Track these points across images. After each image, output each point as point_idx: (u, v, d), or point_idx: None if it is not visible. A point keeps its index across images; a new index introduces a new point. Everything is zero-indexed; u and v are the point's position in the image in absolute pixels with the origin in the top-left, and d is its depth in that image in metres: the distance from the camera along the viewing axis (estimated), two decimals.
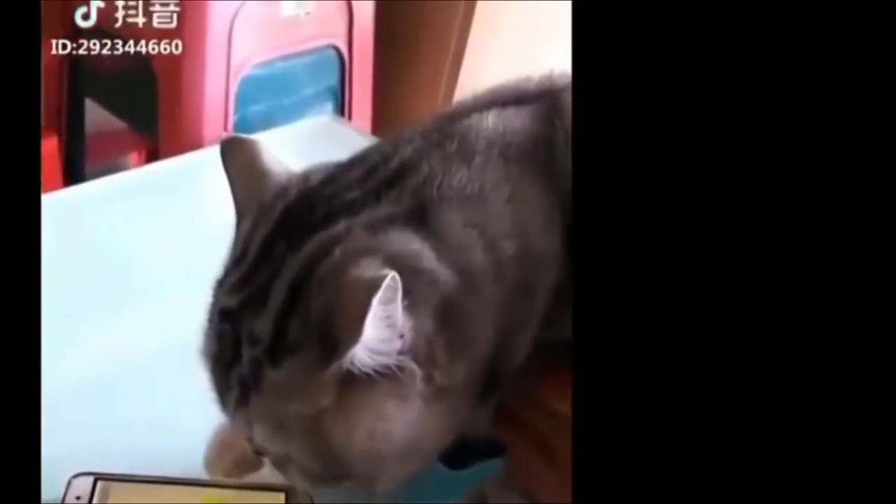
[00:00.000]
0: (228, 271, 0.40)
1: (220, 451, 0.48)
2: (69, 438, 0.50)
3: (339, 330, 0.34)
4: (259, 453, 0.41)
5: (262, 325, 0.37)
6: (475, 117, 0.41)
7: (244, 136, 0.44)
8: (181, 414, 0.50)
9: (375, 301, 0.33)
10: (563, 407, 0.41)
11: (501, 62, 1.27)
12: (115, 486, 0.49)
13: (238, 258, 0.40)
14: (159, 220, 0.74)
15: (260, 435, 0.39)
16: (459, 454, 0.44)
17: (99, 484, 0.49)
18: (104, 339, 0.60)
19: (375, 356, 0.35)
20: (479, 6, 1.28)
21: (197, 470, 0.50)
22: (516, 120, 0.41)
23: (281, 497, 0.49)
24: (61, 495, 0.48)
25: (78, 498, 0.48)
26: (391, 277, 0.33)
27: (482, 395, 0.40)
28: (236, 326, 0.38)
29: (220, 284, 0.40)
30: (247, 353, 0.37)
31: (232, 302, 0.38)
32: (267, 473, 0.43)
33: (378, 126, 1.34)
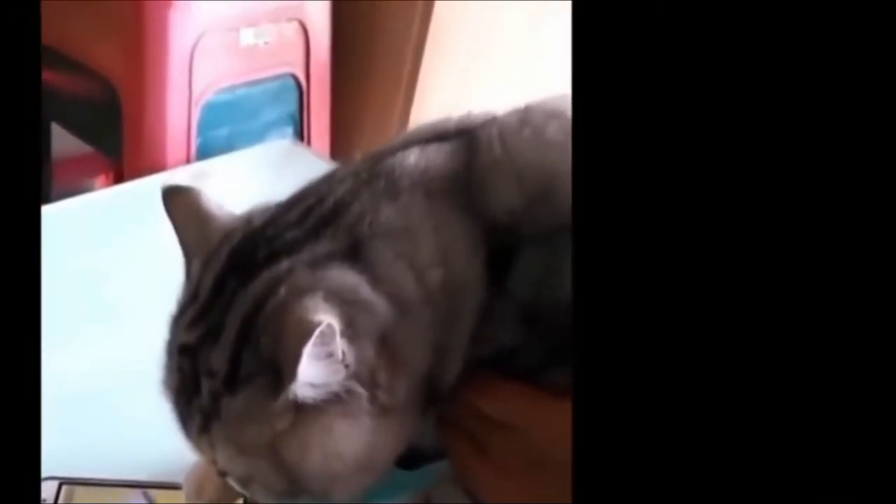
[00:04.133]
0: (183, 309, 0.42)
1: (197, 485, 0.50)
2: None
3: (281, 366, 0.37)
4: (223, 474, 0.43)
5: (218, 359, 0.39)
6: (399, 156, 0.44)
7: (183, 185, 0.46)
8: (147, 424, 0.51)
9: (309, 346, 0.35)
10: (492, 410, 0.44)
11: (455, 86, 1.30)
12: (80, 490, 0.51)
13: (192, 297, 0.42)
14: (125, 238, 0.75)
15: (222, 458, 0.41)
16: (410, 456, 0.47)
17: (63, 488, 0.51)
18: (71, 356, 0.61)
19: (317, 388, 0.38)
20: (432, 31, 1.30)
21: (164, 476, 0.52)
22: (437, 157, 0.44)
23: (241, 500, 0.51)
24: None
25: (43, 500, 0.50)
26: (326, 325, 0.35)
27: (423, 408, 0.43)
28: (194, 361, 0.40)
29: (176, 321, 0.43)
30: (205, 384, 0.40)
31: (189, 338, 0.41)
32: None
33: (336, 150, 1.36)
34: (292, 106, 1.30)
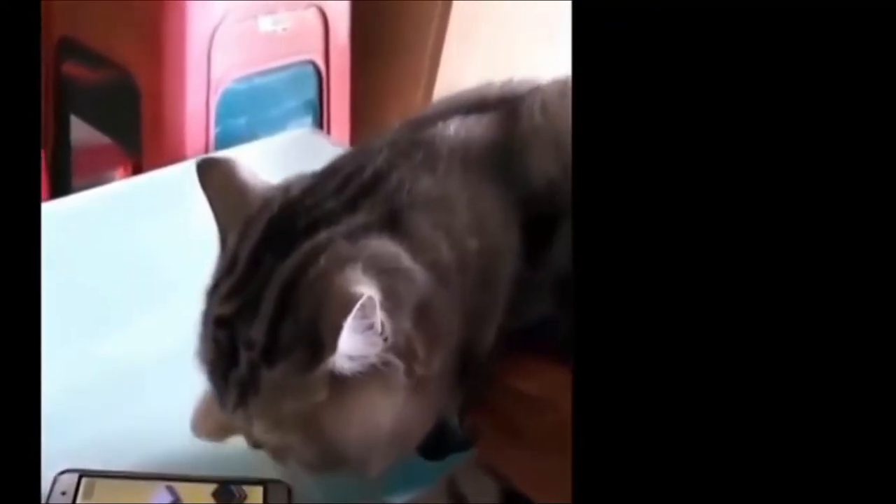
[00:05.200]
0: (219, 281, 0.42)
1: (205, 414, 0.50)
2: (57, 437, 0.49)
3: (321, 338, 0.37)
4: (257, 446, 0.43)
5: (257, 331, 0.39)
6: (439, 126, 0.43)
7: (219, 156, 0.46)
8: (168, 419, 0.52)
9: (350, 318, 0.36)
10: (528, 388, 0.43)
11: (477, 72, 1.28)
12: (100, 483, 0.50)
13: (228, 268, 0.42)
14: (147, 228, 0.74)
15: (259, 430, 0.41)
16: (434, 445, 0.46)
17: (84, 480, 0.50)
18: (96, 344, 0.61)
19: (356, 360, 0.38)
20: (454, 16, 1.29)
21: (186, 468, 0.52)
22: (476, 128, 0.43)
23: (259, 490, 0.51)
24: (47, 492, 0.49)
25: (63, 493, 0.49)
26: (367, 297, 0.36)
27: (457, 381, 0.42)
28: (232, 333, 0.40)
29: (212, 293, 0.42)
30: (244, 357, 0.40)
31: (226, 310, 0.41)
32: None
33: (356, 138, 1.35)
34: (312, 93, 1.30)
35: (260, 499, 0.51)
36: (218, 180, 0.45)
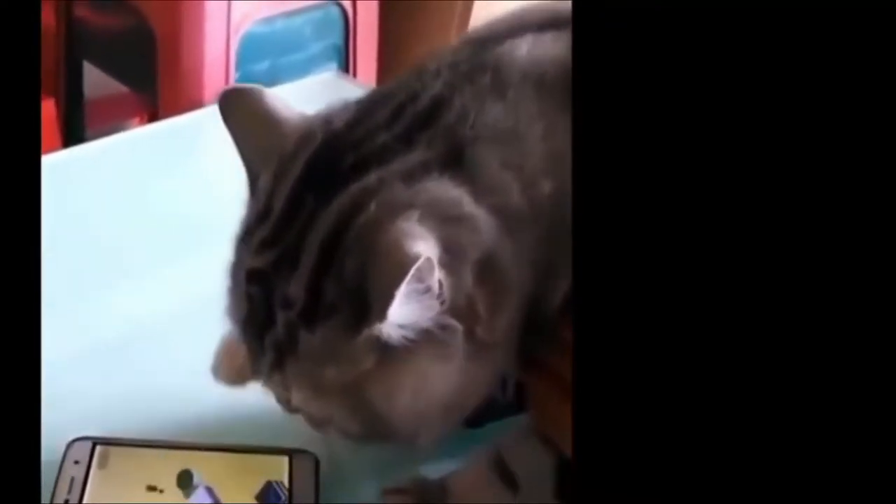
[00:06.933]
0: (251, 229, 0.38)
1: (227, 359, 0.47)
2: (70, 404, 0.49)
3: (370, 298, 0.34)
4: (294, 412, 0.40)
5: (296, 288, 0.36)
6: (507, 45, 0.39)
7: (244, 85, 0.42)
8: (187, 381, 0.51)
9: (404, 284, 0.32)
10: None
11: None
12: (114, 451, 0.48)
13: (261, 215, 0.38)
14: (164, 179, 0.72)
15: (298, 398, 0.38)
16: (477, 412, 0.42)
17: (98, 448, 0.48)
18: (107, 306, 0.59)
19: (407, 328, 0.35)
20: None
21: (204, 436, 0.49)
22: (553, 47, 0.39)
23: (285, 460, 0.48)
24: (59, 461, 0.47)
25: (76, 462, 0.47)
26: (425, 260, 0.32)
27: (523, 341, 0.39)
28: (267, 288, 0.37)
29: (244, 243, 0.39)
30: (280, 316, 0.36)
31: (260, 262, 0.37)
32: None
33: (383, 83, 1.33)
34: (337, 37, 1.27)
35: (286, 471, 0.48)
36: (244, 112, 0.40)
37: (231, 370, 0.47)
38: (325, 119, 0.39)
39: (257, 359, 0.38)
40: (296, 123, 0.40)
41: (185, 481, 0.47)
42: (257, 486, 0.47)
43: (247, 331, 0.38)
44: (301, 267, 0.36)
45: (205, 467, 0.47)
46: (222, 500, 0.46)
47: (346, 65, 1.29)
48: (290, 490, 0.47)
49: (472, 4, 1.27)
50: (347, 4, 1.25)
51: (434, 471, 0.48)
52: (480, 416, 0.44)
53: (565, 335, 0.39)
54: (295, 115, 0.40)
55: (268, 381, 0.39)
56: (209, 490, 0.46)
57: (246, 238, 0.38)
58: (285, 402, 0.40)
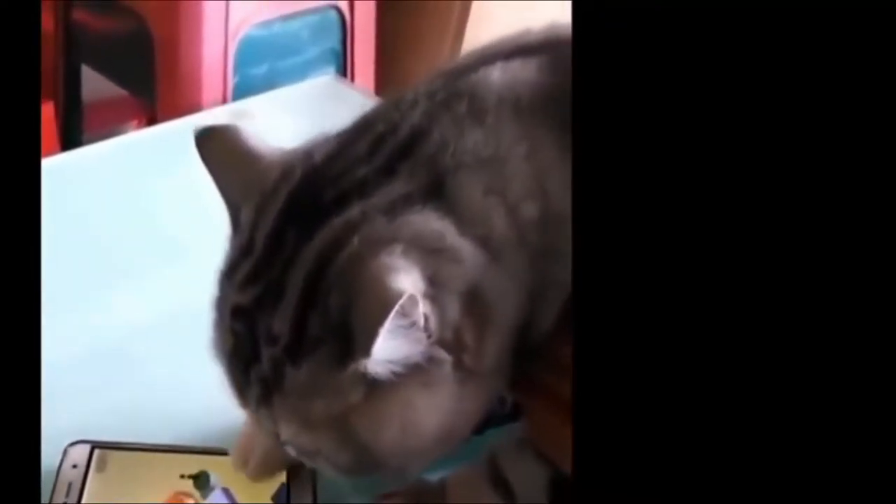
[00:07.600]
0: (235, 264, 0.38)
1: (249, 455, 0.46)
2: (68, 407, 0.49)
3: (355, 334, 0.33)
4: (284, 445, 0.40)
5: (280, 323, 0.35)
6: (481, 72, 0.39)
7: (218, 124, 0.41)
8: (185, 383, 0.50)
9: (388, 321, 0.32)
10: None
11: (509, 17, 1.24)
12: (113, 454, 0.48)
13: (245, 250, 0.38)
14: (161, 182, 0.72)
15: (286, 432, 0.38)
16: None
17: (96, 452, 0.48)
18: (106, 309, 0.59)
19: (395, 363, 0.34)
20: None
21: (201, 439, 0.49)
22: (524, 72, 0.39)
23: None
24: (57, 465, 0.47)
25: (74, 466, 0.47)
26: (408, 297, 0.32)
27: (512, 366, 0.39)
28: (251, 324, 0.37)
29: (228, 279, 0.38)
30: (266, 352, 0.36)
31: (244, 299, 0.37)
32: None
33: (381, 87, 1.32)
34: (335, 41, 1.27)
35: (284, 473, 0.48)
36: (222, 150, 0.40)
37: (258, 465, 0.46)
38: (306, 153, 0.39)
39: (244, 393, 0.38)
40: (275, 158, 0.40)
41: (202, 483, 0.47)
42: (273, 487, 0.47)
43: (232, 366, 0.38)
44: (285, 302, 0.35)
45: (217, 470, 0.47)
46: (238, 501, 0.46)
47: (344, 68, 1.29)
48: (288, 492, 0.47)
49: (469, 8, 1.27)
50: (345, 7, 1.25)
51: (431, 475, 0.48)
52: (481, 424, 0.44)
53: (560, 355, 0.39)
54: (273, 150, 0.40)
55: (256, 416, 0.39)
56: (226, 491, 0.46)
57: (230, 274, 0.38)
58: (274, 436, 0.39)
